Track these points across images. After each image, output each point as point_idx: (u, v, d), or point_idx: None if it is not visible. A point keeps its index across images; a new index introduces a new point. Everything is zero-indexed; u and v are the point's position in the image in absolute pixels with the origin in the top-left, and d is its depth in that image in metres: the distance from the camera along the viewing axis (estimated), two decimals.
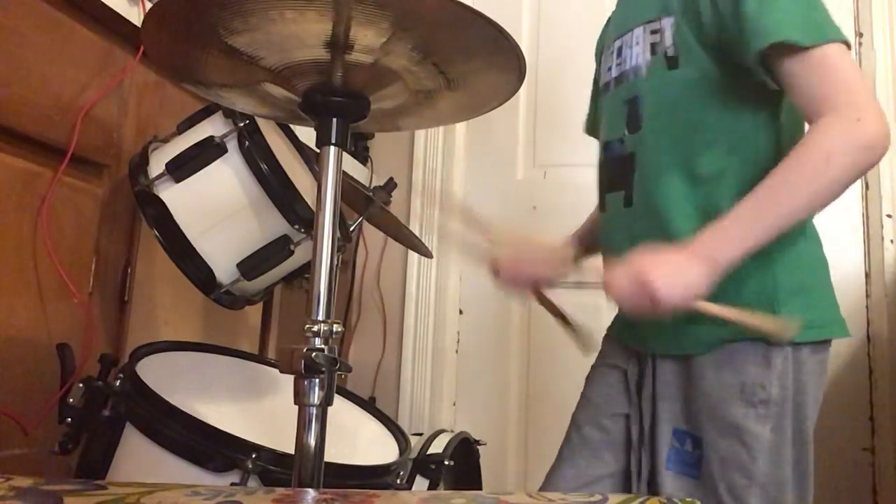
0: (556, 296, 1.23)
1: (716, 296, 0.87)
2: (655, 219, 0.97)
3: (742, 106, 0.94)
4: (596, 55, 1.23)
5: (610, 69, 1.08)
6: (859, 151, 0.84)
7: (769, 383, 0.91)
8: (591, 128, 1.26)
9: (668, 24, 0.97)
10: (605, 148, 1.08)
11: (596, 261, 1.14)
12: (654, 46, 0.98)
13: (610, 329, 1.15)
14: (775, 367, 0.91)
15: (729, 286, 0.89)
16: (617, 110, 1.04)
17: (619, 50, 1.05)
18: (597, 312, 1.21)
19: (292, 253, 1.07)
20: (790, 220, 0.86)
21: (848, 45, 0.88)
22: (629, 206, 1.01)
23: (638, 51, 1.01)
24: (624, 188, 1.02)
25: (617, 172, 1.04)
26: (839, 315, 0.98)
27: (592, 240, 1.19)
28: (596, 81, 1.24)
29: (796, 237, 0.94)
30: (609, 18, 1.22)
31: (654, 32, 0.99)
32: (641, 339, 1.05)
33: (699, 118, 0.96)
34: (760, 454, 0.90)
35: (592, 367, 1.15)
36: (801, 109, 0.89)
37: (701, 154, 0.95)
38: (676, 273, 0.85)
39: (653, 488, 0.98)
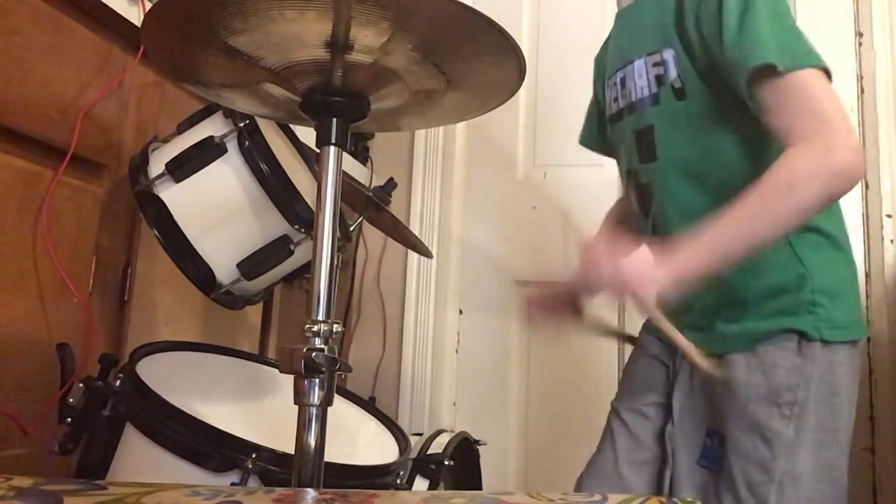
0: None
1: (755, 298, 0.95)
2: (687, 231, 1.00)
3: (750, 130, 0.95)
4: (596, 77, 1.24)
5: (616, 100, 1.10)
6: (826, 179, 0.86)
7: (796, 385, 0.93)
8: (587, 140, 1.28)
9: (669, 55, 0.99)
10: (628, 176, 1.11)
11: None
12: (659, 78, 1.00)
13: (647, 324, 1.17)
14: (804, 370, 0.93)
15: (769, 289, 0.95)
16: (629, 141, 1.07)
17: (623, 81, 1.07)
18: (596, 312, 1.21)
19: (292, 253, 1.07)
20: (754, 242, 0.89)
21: (828, 72, 0.89)
22: (654, 234, 1.06)
23: (643, 83, 1.02)
24: (648, 216, 1.07)
25: (641, 201, 1.08)
26: (861, 316, 1.02)
27: None
28: (597, 101, 1.26)
29: (829, 245, 0.99)
30: (607, 41, 1.22)
31: (656, 65, 1.00)
32: None
33: (711, 145, 0.98)
34: (781, 452, 0.92)
35: (631, 357, 1.18)
36: (776, 135, 0.90)
37: (716, 181, 0.97)
38: (645, 270, 0.90)
39: (680, 478, 1.01)
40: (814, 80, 0.87)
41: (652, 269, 0.90)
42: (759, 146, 0.96)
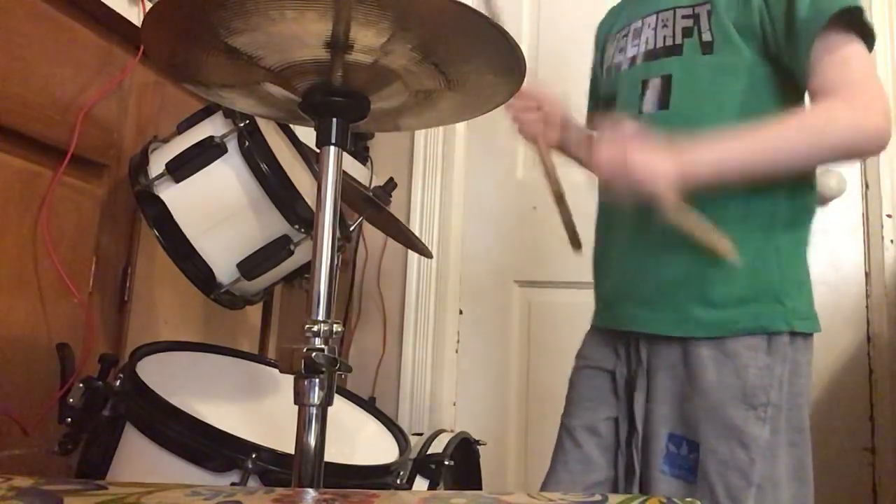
0: (554, 295, 1.23)
1: (728, 285, 0.94)
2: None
3: (768, 94, 0.97)
4: (598, 43, 1.23)
5: (623, 50, 1.09)
6: (858, 134, 0.89)
7: (769, 386, 0.92)
8: (589, 120, 1.27)
9: (703, 10, 0.99)
10: None
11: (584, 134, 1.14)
12: (686, 30, 1.00)
13: (596, 320, 1.14)
14: (773, 370, 0.92)
15: (741, 277, 0.94)
16: (632, 89, 1.05)
17: (639, 31, 1.07)
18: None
19: (292, 253, 1.07)
20: (769, 166, 0.91)
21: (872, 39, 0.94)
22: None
23: (666, 33, 1.02)
24: None
25: None
26: (814, 309, 1.02)
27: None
28: (594, 74, 1.25)
29: (798, 238, 0.99)
30: (614, 11, 1.22)
31: (686, 17, 1.01)
32: (635, 319, 1.03)
33: (726, 103, 0.98)
34: (758, 456, 0.91)
35: (575, 368, 1.15)
36: (817, 94, 0.92)
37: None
38: (653, 159, 0.90)
39: (646, 488, 0.98)
40: (862, 53, 0.92)
41: (659, 163, 0.89)
42: (769, 111, 0.96)
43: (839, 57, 0.91)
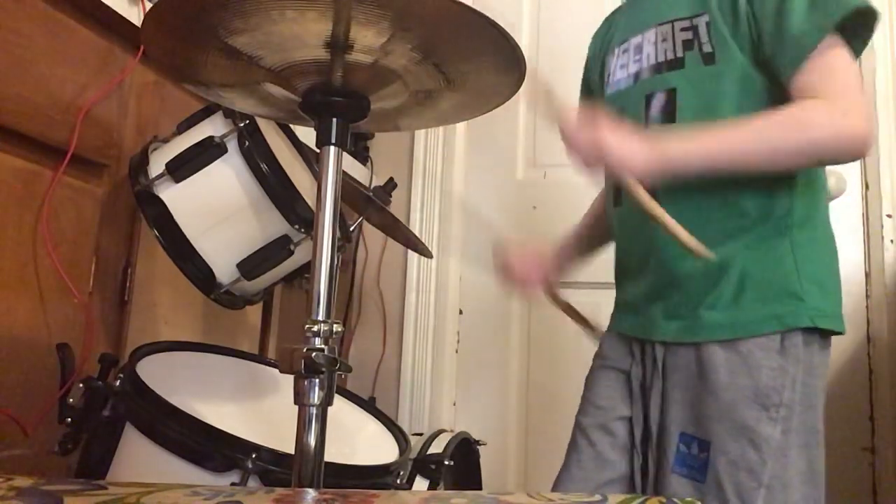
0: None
1: (743, 287, 0.94)
2: (681, 209, 0.97)
3: (770, 100, 0.96)
4: (593, 57, 1.23)
5: (624, 66, 1.09)
6: (834, 138, 0.90)
7: (782, 387, 0.92)
8: None
9: (701, 21, 0.99)
10: None
11: None
12: (686, 42, 1.00)
13: (612, 325, 1.14)
14: (787, 370, 0.92)
15: (754, 273, 0.94)
16: (636, 105, 1.05)
17: (638, 47, 1.06)
18: (597, 311, 1.21)
19: (292, 253, 1.07)
20: (744, 164, 0.92)
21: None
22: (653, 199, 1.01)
23: (666, 46, 1.02)
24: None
25: None
26: (841, 311, 1.00)
27: (580, 248, 1.28)
28: (587, 82, 1.25)
29: (815, 237, 0.99)
30: (609, 21, 1.22)
31: (684, 30, 1.01)
32: (650, 327, 1.04)
33: (732, 112, 0.97)
34: (770, 456, 0.90)
35: (592, 368, 1.14)
36: (800, 93, 0.92)
37: None
38: (626, 146, 0.92)
39: (659, 488, 0.98)
40: (845, 58, 0.91)
41: (632, 150, 0.91)
42: None
43: (823, 61, 0.90)
